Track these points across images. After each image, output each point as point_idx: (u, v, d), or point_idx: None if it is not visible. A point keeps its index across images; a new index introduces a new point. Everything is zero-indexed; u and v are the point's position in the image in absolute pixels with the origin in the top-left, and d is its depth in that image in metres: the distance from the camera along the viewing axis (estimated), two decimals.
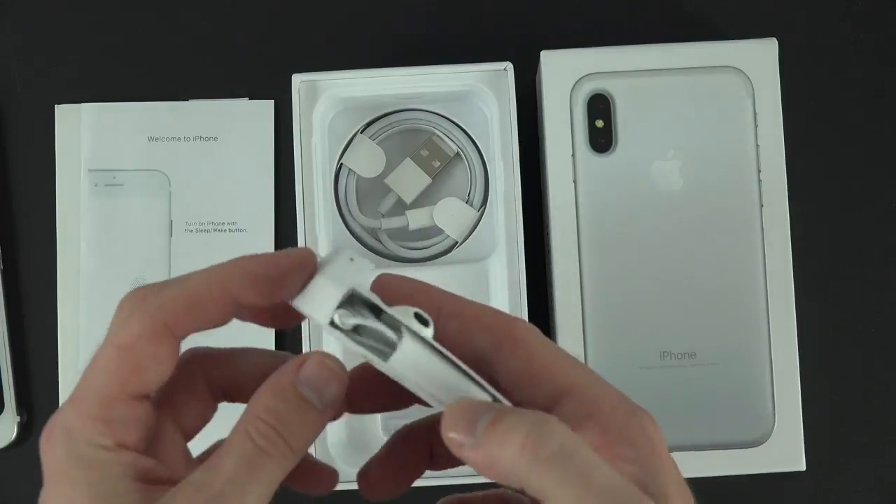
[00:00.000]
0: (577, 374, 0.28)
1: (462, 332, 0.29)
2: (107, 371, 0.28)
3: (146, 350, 0.28)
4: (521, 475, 0.26)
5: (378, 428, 0.54)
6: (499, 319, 0.29)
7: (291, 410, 0.28)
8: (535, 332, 0.29)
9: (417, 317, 0.28)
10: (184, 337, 0.28)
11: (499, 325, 0.29)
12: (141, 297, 0.28)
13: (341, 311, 0.28)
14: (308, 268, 0.29)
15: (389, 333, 0.28)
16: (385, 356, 0.27)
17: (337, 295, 0.28)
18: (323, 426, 0.29)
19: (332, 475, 0.33)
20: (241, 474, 0.27)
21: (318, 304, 0.28)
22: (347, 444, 0.54)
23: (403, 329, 0.27)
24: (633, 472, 0.26)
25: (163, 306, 0.28)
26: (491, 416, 0.26)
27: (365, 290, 0.28)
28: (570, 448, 0.26)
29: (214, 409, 0.32)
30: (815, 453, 0.53)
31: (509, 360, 0.29)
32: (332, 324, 0.28)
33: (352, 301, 0.28)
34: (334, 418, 0.29)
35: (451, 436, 0.27)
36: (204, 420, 0.31)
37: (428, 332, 0.28)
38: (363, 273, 0.29)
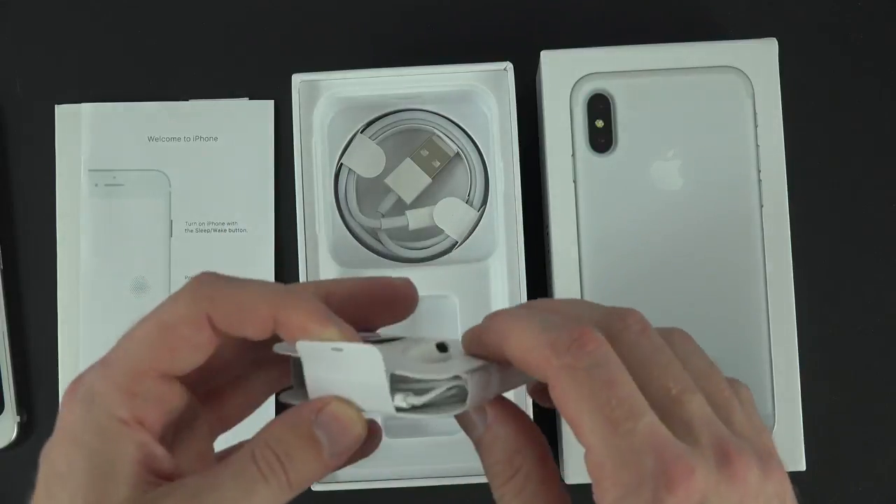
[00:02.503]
0: (591, 437, 0.26)
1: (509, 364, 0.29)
2: (142, 344, 0.28)
3: (185, 333, 0.28)
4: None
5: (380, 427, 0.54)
6: (540, 360, 0.27)
7: (300, 448, 0.28)
8: (573, 375, 0.26)
9: (440, 347, 0.29)
10: (225, 335, 0.29)
11: (539, 367, 0.27)
12: (198, 284, 0.29)
13: (398, 396, 0.28)
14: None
15: (450, 390, 0.28)
16: (460, 405, 0.28)
17: (385, 386, 0.28)
18: (325, 472, 0.29)
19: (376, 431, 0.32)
20: (235, 494, 0.27)
21: (379, 403, 0.28)
22: None
23: (463, 381, 0.28)
24: None
25: (212, 298, 0.28)
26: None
27: (399, 369, 0.28)
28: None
29: (260, 403, 0.32)
30: (815, 453, 0.53)
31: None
32: (400, 409, 0.28)
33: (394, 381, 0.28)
34: (338, 468, 0.29)
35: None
36: (246, 413, 0.32)
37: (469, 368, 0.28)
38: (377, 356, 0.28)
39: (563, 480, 0.46)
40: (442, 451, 0.52)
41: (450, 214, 0.55)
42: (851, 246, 0.58)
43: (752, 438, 0.27)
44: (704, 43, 0.53)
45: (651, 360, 0.27)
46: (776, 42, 0.53)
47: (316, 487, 0.52)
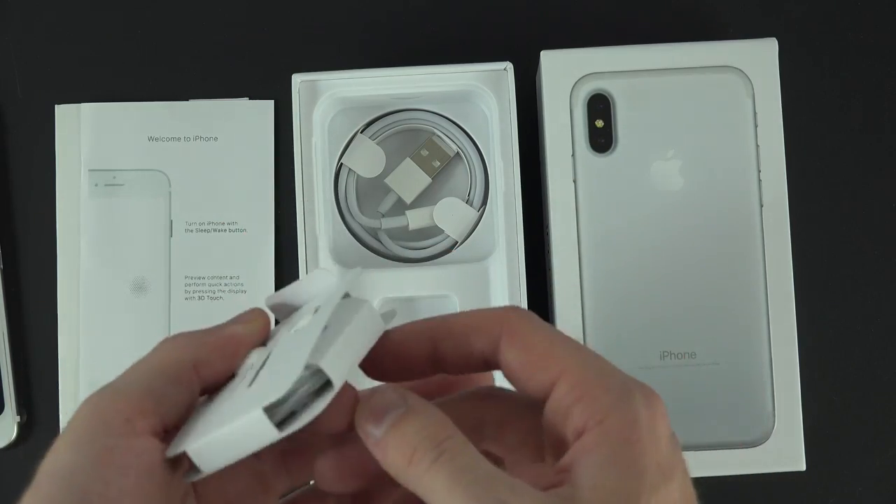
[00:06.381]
0: (569, 359, 0.27)
1: (459, 347, 0.29)
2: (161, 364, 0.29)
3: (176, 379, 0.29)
4: (408, 484, 0.26)
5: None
6: (490, 318, 0.29)
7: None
8: (530, 319, 0.29)
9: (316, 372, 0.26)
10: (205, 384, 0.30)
11: (492, 324, 0.29)
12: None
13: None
14: None
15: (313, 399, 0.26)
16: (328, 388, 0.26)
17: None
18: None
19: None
20: None
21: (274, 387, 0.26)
22: None
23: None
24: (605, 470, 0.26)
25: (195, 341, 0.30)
26: (399, 413, 0.27)
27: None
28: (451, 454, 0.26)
29: None
30: (815, 453, 0.53)
31: (508, 354, 0.29)
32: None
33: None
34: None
35: (361, 425, 0.27)
36: None
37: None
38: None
39: None
40: None
41: (450, 214, 0.55)
42: (851, 246, 0.58)
43: None
44: (704, 43, 0.53)
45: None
46: (776, 42, 0.53)
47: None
